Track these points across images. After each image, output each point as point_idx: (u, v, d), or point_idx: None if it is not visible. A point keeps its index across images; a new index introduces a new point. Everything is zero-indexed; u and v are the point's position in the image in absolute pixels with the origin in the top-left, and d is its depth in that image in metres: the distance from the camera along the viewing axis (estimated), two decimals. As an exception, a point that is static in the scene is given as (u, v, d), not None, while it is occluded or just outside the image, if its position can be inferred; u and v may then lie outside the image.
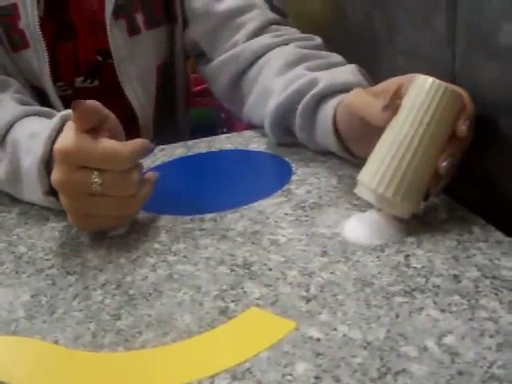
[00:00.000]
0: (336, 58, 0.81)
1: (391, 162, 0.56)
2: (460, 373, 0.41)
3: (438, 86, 0.56)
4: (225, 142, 0.88)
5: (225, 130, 1.35)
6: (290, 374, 0.43)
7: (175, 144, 0.88)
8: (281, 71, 0.80)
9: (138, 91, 0.94)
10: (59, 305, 0.54)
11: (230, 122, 1.30)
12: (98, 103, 0.60)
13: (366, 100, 0.63)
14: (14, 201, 0.74)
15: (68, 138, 0.59)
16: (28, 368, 0.48)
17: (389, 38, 0.79)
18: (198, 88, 1.26)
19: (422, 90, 0.57)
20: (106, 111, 0.62)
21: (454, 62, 0.64)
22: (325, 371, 0.43)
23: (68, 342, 0.49)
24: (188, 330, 0.49)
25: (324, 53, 0.82)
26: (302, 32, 0.90)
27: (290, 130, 0.78)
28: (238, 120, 0.97)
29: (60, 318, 0.52)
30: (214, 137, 0.90)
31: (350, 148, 0.71)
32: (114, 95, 0.89)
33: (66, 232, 0.66)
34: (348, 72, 0.75)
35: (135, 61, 0.93)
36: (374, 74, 0.75)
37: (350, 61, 0.79)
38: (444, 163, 0.57)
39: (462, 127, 0.56)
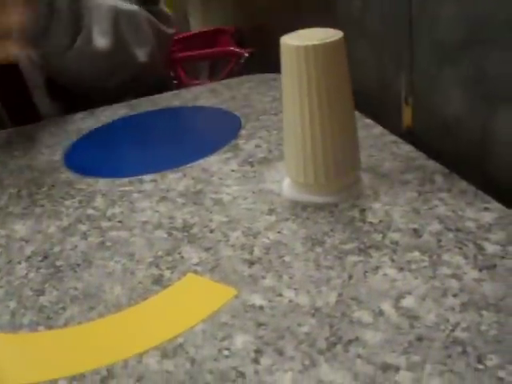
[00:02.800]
0: None
1: (298, 150, 0.49)
2: (419, 339, 0.36)
3: (294, 48, 0.46)
4: (172, 99, 0.81)
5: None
6: (228, 349, 0.37)
7: (118, 104, 0.82)
8: None
9: None
10: (-22, 282, 0.48)
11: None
12: None
13: None
14: None
15: None
16: None
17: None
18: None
19: (285, 60, 0.47)
20: None
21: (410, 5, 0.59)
22: (266, 343, 0.37)
23: (-17, 323, 0.43)
24: (117, 303, 0.43)
25: None
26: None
27: None
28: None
29: (-23, 296, 0.46)
30: (159, 95, 0.83)
31: None
32: None
33: (-6, 202, 0.60)
34: None
35: None
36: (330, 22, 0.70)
37: (305, 9, 0.72)
38: None
39: None
